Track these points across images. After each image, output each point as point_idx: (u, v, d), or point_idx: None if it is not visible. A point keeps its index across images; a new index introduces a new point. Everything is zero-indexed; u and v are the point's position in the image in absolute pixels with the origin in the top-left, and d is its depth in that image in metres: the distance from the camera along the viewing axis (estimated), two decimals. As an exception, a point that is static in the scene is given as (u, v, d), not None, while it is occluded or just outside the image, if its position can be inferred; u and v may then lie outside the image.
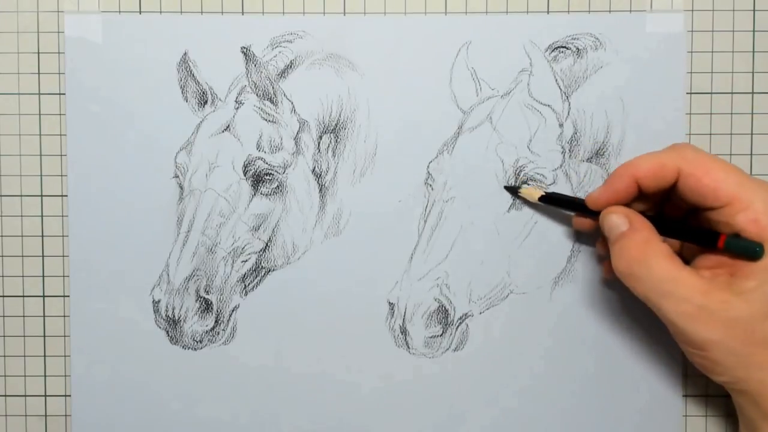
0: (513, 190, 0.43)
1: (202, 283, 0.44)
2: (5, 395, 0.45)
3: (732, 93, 0.44)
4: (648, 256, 0.35)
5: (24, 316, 0.44)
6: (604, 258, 0.43)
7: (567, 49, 0.43)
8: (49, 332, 0.44)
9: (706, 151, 0.44)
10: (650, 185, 0.37)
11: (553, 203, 0.42)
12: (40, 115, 0.44)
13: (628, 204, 0.38)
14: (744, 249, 0.34)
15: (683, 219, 0.39)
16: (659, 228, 0.37)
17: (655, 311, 0.36)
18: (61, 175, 0.44)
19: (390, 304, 0.44)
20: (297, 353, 0.44)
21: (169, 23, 0.43)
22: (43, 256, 0.44)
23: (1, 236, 0.44)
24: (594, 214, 0.39)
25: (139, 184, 0.43)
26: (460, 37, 0.43)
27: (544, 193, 0.41)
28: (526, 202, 0.43)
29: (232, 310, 0.44)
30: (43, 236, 0.44)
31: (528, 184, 0.43)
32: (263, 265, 0.44)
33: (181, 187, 0.44)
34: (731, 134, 0.44)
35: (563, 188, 0.43)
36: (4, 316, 0.45)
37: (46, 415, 0.45)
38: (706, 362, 0.35)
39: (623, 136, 0.43)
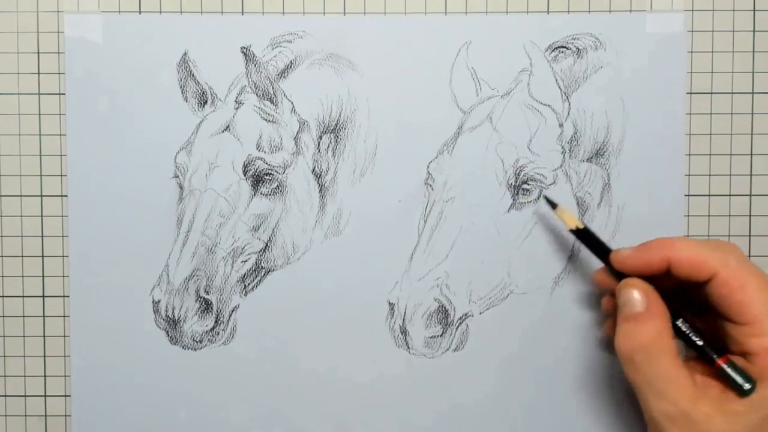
0: (552, 205, 0.41)
1: (202, 283, 0.44)
2: (5, 395, 0.45)
3: (732, 93, 0.44)
4: (655, 350, 0.34)
5: (24, 316, 0.44)
6: (606, 315, 0.41)
7: (567, 49, 0.43)
8: (49, 332, 0.44)
9: (706, 150, 0.44)
10: (682, 274, 0.35)
11: (584, 241, 0.40)
12: (40, 115, 0.44)
13: (653, 276, 0.36)
14: (735, 382, 0.33)
15: (696, 314, 0.37)
16: (673, 310, 0.35)
17: (639, 399, 0.35)
18: (61, 175, 0.44)
19: (390, 304, 0.44)
20: (297, 353, 0.44)
21: (169, 23, 0.43)
22: (43, 256, 0.44)
23: (1, 236, 0.44)
24: (617, 273, 0.37)
25: (139, 184, 0.43)
26: (460, 37, 0.43)
27: (581, 225, 0.39)
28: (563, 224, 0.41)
29: (232, 310, 0.44)
30: (43, 236, 0.44)
31: (561, 207, 0.41)
32: (263, 265, 0.44)
33: (181, 187, 0.44)
34: (731, 134, 0.44)
35: (563, 188, 0.43)
36: (4, 316, 0.45)
37: (46, 415, 0.45)
38: None
39: (623, 136, 0.43)
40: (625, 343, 0.35)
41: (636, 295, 0.35)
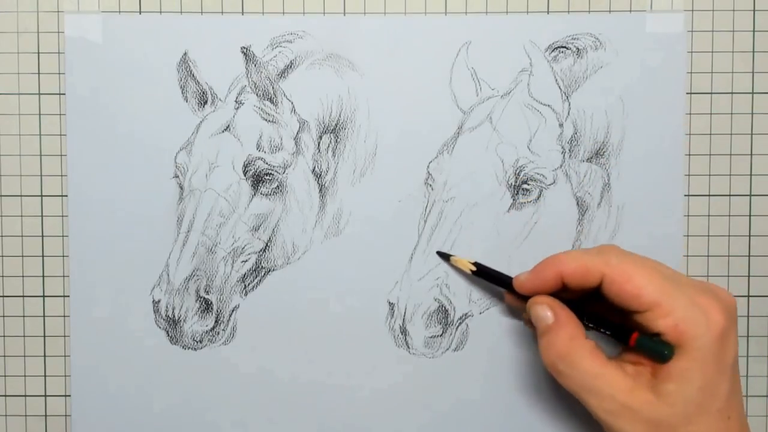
0: (445, 257, 0.43)
1: (202, 283, 0.44)
2: (5, 395, 0.45)
3: (732, 93, 0.44)
4: (572, 354, 0.36)
5: (24, 316, 0.44)
6: (513, 307, 0.43)
7: (567, 49, 0.43)
8: (49, 332, 0.44)
9: (706, 150, 0.44)
10: (575, 283, 0.37)
11: (485, 277, 0.42)
12: (40, 115, 0.44)
13: (555, 292, 0.38)
14: (653, 350, 0.35)
15: (611, 313, 0.39)
16: (580, 317, 0.38)
17: (583, 404, 0.36)
18: (61, 175, 0.44)
19: (390, 304, 0.44)
20: (297, 353, 0.44)
21: (169, 23, 0.43)
22: (43, 256, 0.44)
23: (1, 236, 0.44)
24: (524, 299, 0.39)
25: (139, 184, 0.43)
26: (460, 37, 0.43)
27: (474, 267, 0.42)
28: (459, 271, 0.43)
29: (232, 310, 0.44)
30: (43, 236, 0.44)
31: (455, 256, 0.43)
32: (263, 265, 0.44)
33: (181, 187, 0.44)
34: (731, 134, 0.44)
35: (563, 188, 0.43)
36: (4, 316, 0.45)
37: (46, 415, 0.45)
38: None
39: (623, 136, 0.43)
40: (546, 355, 0.37)
41: (542, 310, 0.38)
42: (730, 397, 0.35)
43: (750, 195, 0.44)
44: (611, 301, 0.37)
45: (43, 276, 0.44)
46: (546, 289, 0.38)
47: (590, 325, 0.38)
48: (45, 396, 0.45)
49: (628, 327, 0.37)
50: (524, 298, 0.39)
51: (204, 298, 0.44)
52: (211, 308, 0.44)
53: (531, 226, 0.44)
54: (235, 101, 0.43)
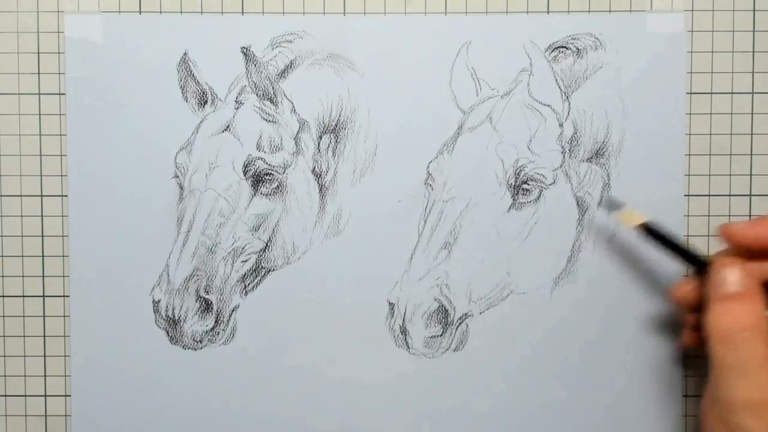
0: (616, 206, 0.40)
1: (202, 283, 0.44)
2: (5, 395, 0.45)
3: (732, 93, 0.44)
4: (755, 332, 0.33)
5: (24, 316, 0.44)
6: (688, 325, 0.40)
7: (567, 49, 0.43)
8: (49, 332, 0.44)
9: (706, 150, 0.44)
10: None
11: (653, 236, 0.38)
12: (40, 115, 0.44)
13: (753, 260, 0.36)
14: None
15: None
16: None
17: (719, 384, 0.34)
18: (61, 175, 0.44)
19: (390, 304, 0.44)
20: (297, 353, 0.44)
21: (169, 23, 0.43)
22: (43, 256, 0.44)
23: (1, 236, 0.44)
24: (699, 265, 0.37)
25: (139, 184, 0.43)
26: (460, 37, 0.43)
27: (644, 221, 0.38)
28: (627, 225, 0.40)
29: (232, 310, 0.44)
30: (43, 236, 0.44)
31: (625, 207, 0.39)
32: (263, 265, 0.44)
33: (181, 187, 0.44)
34: (731, 134, 0.44)
35: (563, 188, 0.43)
36: (4, 316, 0.45)
37: (46, 415, 0.45)
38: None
39: (623, 136, 0.43)
40: (725, 321, 0.34)
41: (734, 275, 0.35)
42: None
43: (750, 195, 0.44)
44: None
45: (43, 276, 0.44)
46: (764, 243, 0.35)
47: None
48: (45, 396, 0.45)
49: None
50: (698, 266, 0.36)
51: (204, 298, 0.44)
52: (211, 308, 0.44)
53: (531, 226, 0.44)
54: (235, 101, 0.43)
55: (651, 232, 0.39)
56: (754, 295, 0.34)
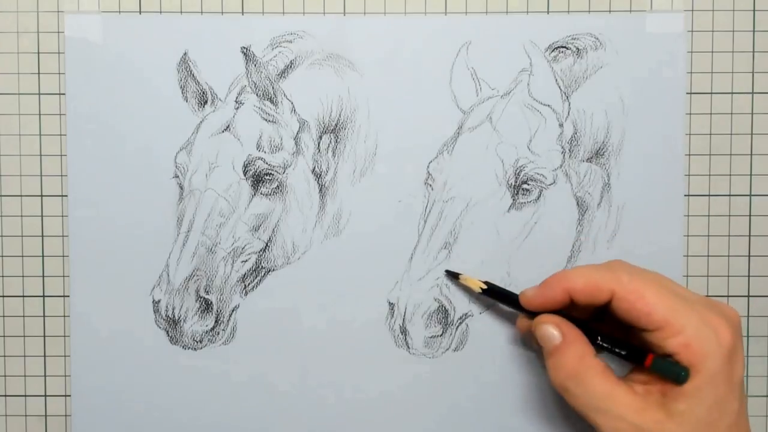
0: (454, 276, 0.43)
1: (202, 283, 0.44)
2: (5, 395, 0.45)
3: (732, 93, 0.44)
4: (582, 373, 0.35)
5: (24, 316, 0.44)
6: (523, 335, 0.43)
7: (567, 49, 0.43)
8: (49, 332, 0.44)
9: (706, 150, 0.44)
10: (583, 300, 0.37)
11: (494, 296, 0.42)
12: (40, 115, 0.44)
13: (562, 308, 0.38)
14: (669, 372, 0.35)
15: (617, 330, 0.39)
16: (591, 336, 0.37)
17: (591, 424, 0.36)
18: (61, 175, 0.44)
19: (390, 304, 0.44)
20: (296, 353, 0.44)
21: (169, 23, 0.43)
22: (43, 256, 0.44)
23: (1, 236, 0.44)
24: (531, 313, 0.39)
25: (139, 184, 0.43)
26: (460, 37, 0.43)
27: (484, 286, 0.41)
28: (467, 290, 0.43)
29: (232, 310, 0.44)
30: (43, 236, 0.44)
31: (464, 275, 0.42)
32: (263, 265, 0.44)
33: (181, 187, 0.44)
34: (731, 134, 0.44)
35: (563, 188, 0.43)
36: (4, 316, 0.45)
37: (46, 415, 0.45)
38: None
39: (623, 136, 0.43)
40: (556, 375, 0.37)
41: (550, 330, 0.37)
42: (739, 415, 0.35)
43: (750, 195, 0.44)
44: (620, 319, 0.36)
45: (43, 276, 0.44)
46: (553, 305, 0.38)
47: (604, 345, 0.37)
48: (45, 396, 0.45)
49: (642, 347, 0.36)
50: (532, 316, 0.39)
51: (204, 298, 0.44)
52: (211, 308, 0.44)
53: (531, 226, 0.44)
54: (235, 101, 0.43)
55: (492, 291, 0.42)
56: (572, 340, 0.37)
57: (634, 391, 0.35)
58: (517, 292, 0.43)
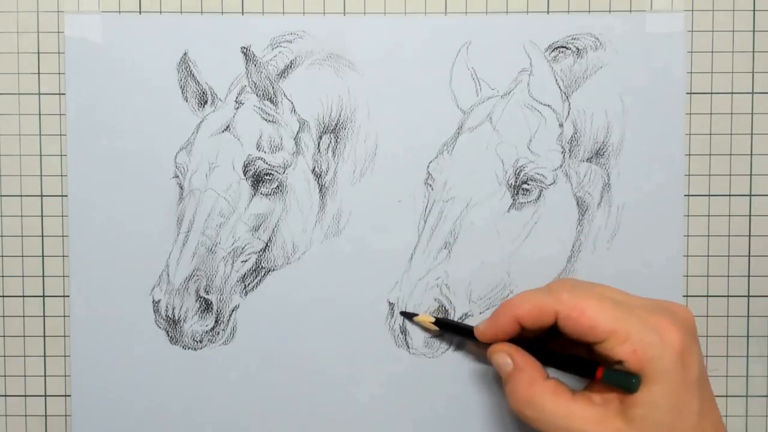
0: (408, 316, 0.43)
1: (202, 283, 0.44)
2: (5, 395, 0.45)
3: (732, 93, 0.44)
4: (535, 398, 0.36)
5: (24, 316, 0.44)
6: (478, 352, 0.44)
7: (567, 49, 0.43)
8: (49, 332, 0.44)
9: (706, 150, 0.44)
10: (531, 325, 0.38)
11: (448, 329, 0.43)
12: (40, 115, 0.44)
13: (516, 335, 0.39)
14: (620, 382, 0.35)
15: (571, 345, 0.39)
16: (543, 358, 0.38)
17: None
18: (61, 175, 0.44)
19: (390, 304, 0.44)
20: (297, 353, 0.44)
21: (169, 23, 0.43)
22: (43, 256, 0.44)
23: (1, 236, 0.44)
24: (483, 344, 0.40)
25: (139, 184, 0.43)
26: (460, 37, 0.43)
27: (435, 320, 0.42)
28: (424, 329, 0.43)
29: (232, 310, 0.44)
30: (43, 236, 0.44)
31: (417, 315, 0.43)
32: (263, 265, 0.44)
33: (181, 187, 0.44)
34: (731, 134, 0.44)
35: (563, 188, 0.43)
36: (4, 316, 0.45)
37: (46, 415, 0.45)
38: None
39: (623, 136, 0.43)
40: (512, 402, 0.38)
41: (500, 358, 0.39)
42: (703, 415, 0.35)
43: (750, 195, 0.44)
44: (569, 336, 0.37)
45: (43, 276, 0.44)
46: (505, 334, 0.39)
47: (557, 368, 0.38)
48: (45, 396, 0.45)
49: (592, 359, 0.37)
50: (487, 346, 0.40)
51: (204, 298, 0.44)
52: (211, 308, 0.44)
53: (531, 226, 0.44)
54: (235, 101, 0.43)
55: (444, 324, 0.43)
56: (522, 366, 0.38)
57: (593, 402, 0.36)
58: (517, 291, 0.44)
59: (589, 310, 0.36)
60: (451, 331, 0.43)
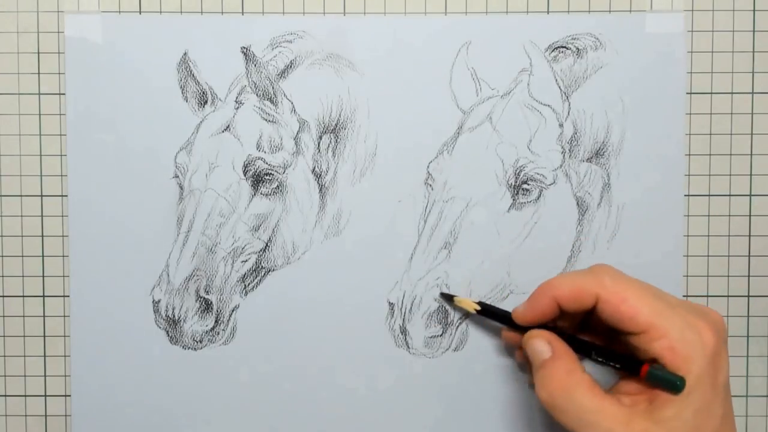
0: (448, 298, 0.43)
1: (202, 283, 0.44)
2: (5, 395, 0.45)
3: (732, 93, 0.44)
4: (570, 388, 0.35)
5: (24, 316, 0.44)
6: (523, 367, 0.44)
7: (567, 49, 0.43)
8: (49, 332, 0.44)
9: (706, 150, 0.44)
10: (570, 307, 0.37)
11: (488, 315, 0.42)
12: (40, 115, 0.44)
13: (553, 320, 0.38)
14: (665, 382, 0.34)
15: (607, 342, 0.39)
16: (582, 350, 0.37)
17: None
18: (61, 175, 0.44)
19: (390, 304, 0.44)
20: (297, 353, 0.44)
21: (169, 23, 0.43)
22: (43, 256, 0.44)
23: (1, 236, 0.44)
24: (522, 329, 0.39)
25: (139, 184, 0.43)
26: (460, 37, 0.43)
27: (478, 307, 0.42)
28: (463, 312, 0.43)
29: (232, 310, 0.44)
30: (43, 236, 0.44)
31: (458, 297, 0.43)
32: (263, 265, 0.44)
33: (181, 187, 0.44)
34: (731, 134, 0.44)
35: (563, 188, 0.43)
36: (4, 316, 0.45)
37: (46, 415, 0.45)
38: None
39: (623, 136, 0.43)
40: (543, 390, 0.36)
41: (539, 344, 0.37)
42: (724, 419, 0.34)
43: (750, 195, 0.44)
44: (605, 323, 0.36)
45: (43, 276, 0.44)
46: (544, 316, 0.38)
47: (599, 360, 0.37)
48: (45, 396, 0.45)
49: (635, 356, 0.36)
50: (523, 331, 0.39)
51: (204, 298, 0.44)
52: (211, 308, 0.44)
53: (531, 226, 0.44)
54: (235, 101, 0.43)
55: (486, 310, 0.42)
56: (560, 355, 0.37)
57: (621, 402, 0.35)
58: (517, 292, 0.44)
59: (631, 299, 0.35)
60: (489, 315, 0.42)
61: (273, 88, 0.43)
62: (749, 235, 0.44)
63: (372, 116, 0.43)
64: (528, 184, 0.43)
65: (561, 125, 0.43)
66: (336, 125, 0.44)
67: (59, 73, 0.44)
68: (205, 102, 0.43)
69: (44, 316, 0.44)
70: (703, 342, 0.34)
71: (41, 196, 0.44)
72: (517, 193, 0.43)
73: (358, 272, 0.44)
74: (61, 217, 0.44)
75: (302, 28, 0.43)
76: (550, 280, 0.38)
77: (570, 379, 0.36)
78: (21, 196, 0.44)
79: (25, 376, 0.45)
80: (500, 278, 0.44)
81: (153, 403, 0.44)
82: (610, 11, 0.43)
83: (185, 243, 0.43)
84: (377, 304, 0.44)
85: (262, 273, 0.44)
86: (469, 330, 0.44)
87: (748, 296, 0.44)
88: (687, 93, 0.44)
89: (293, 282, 0.44)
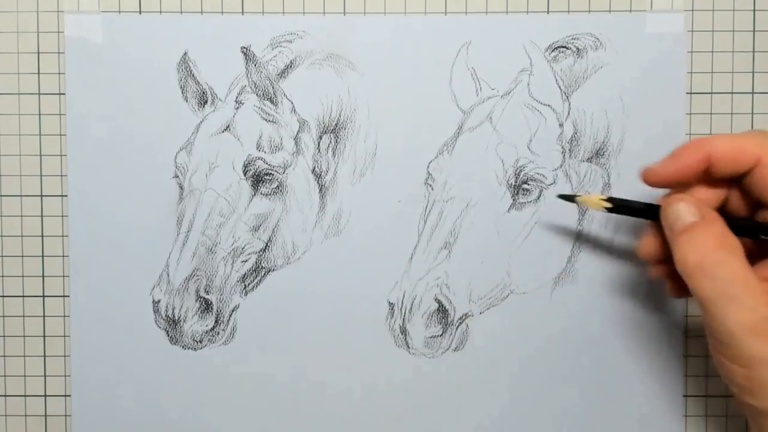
0: (570, 198, 0.39)
1: (202, 283, 0.44)
2: (5, 395, 0.45)
3: (732, 93, 0.44)
4: (725, 252, 0.31)
5: (24, 316, 0.44)
6: (655, 271, 0.38)
7: (567, 49, 0.43)
8: (49, 332, 0.44)
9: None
10: (722, 169, 0.32)
11: (623, 211, 0.37)
12: (40, 115, 0.44)
13: (696, 181, 0.34)
14: None
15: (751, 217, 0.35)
16: (743, 231, 0.33)
17: (710, 319, 0.31)
18: (61, 175, 0.44)
19: (390, 304, 0.44)
20: (296, 353, 0.44)
21: (169, 23, 0.43)
22: (43, 256, 0.44)
23: (1, 236, 0.44)
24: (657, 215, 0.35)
25: (139, 184, 0.43)
26: (460, 37, 0.43)
27: (608, 204, 0.37)
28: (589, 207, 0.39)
29: (232, 310, 0.44)
30: (43, 236, 0.44)
31: (581, 196, 0.39)
32: (263, 265, 0.44)
33: (181, 187, 0.44)
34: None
35: (563, 188, 0.43)
36: (4, 316, 0.45)
37: (46, 415, 0.45)
38: (748, 384, 0.30)
39: (623, 136, 0.43)
40: (692, 252, 0.31)
41: (685, 207, 0.33)
42: None
43: (750, 195, 0.44)
44: (756, 191, 0.32)
45: (43, 276, 0.44)
46: (686, 174, 0.33)
47: (746, 224, 0.33)
48: (45, 396, 0.45)
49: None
50: (657, 234, 0.34)
51: (204, 298, 0.44)
52: (211, 308, 0.44)
53: (531, 226, 0.44)
54: (235, 101, 0.43)
55: (616, 205, 0.37)
56: (711, 219, 0.32)
57: (765, 278, 0.31)
58: (517, 292, 0.44)
59: None
60: (623, 212, 0.37)
61: (273, 88, 0.43)
62: (749, 235, 0.44)
63: (372, 116, 0.43)
64: (528, 184, 0.43)
65: (561, 125, 0.43)
66: (336, 125, 0.44)
67: (59, 73, 0.44)
68: (205, 102, 0.43)
69: (44, 316, 0.44)
70: None
71: (41, 196, 0.44)
72: (517, 193, 0.43)
73: (358, 272, 0.44)
74: (61, 217, 0.44)
75: (302, 28, 0.43)
76: (703, 137, 0.33)
77: (725, 242, 0.31)
78: (21, 196, 0.44)
79: (25, 376, 0.45)
80: (500, 278, 0.44)
81: (153, 403, 0.44)
82: (610, 11, 0.43)
83: (185, 243, 0.43)
84: (377, 304, 0.44)
85: (262, 273, 0.44)
86: (469, 330, 0.44)
87: (748, 296, 0.44)
88: (687, 93, 0.44)
89: (293, 282, 0.44)
